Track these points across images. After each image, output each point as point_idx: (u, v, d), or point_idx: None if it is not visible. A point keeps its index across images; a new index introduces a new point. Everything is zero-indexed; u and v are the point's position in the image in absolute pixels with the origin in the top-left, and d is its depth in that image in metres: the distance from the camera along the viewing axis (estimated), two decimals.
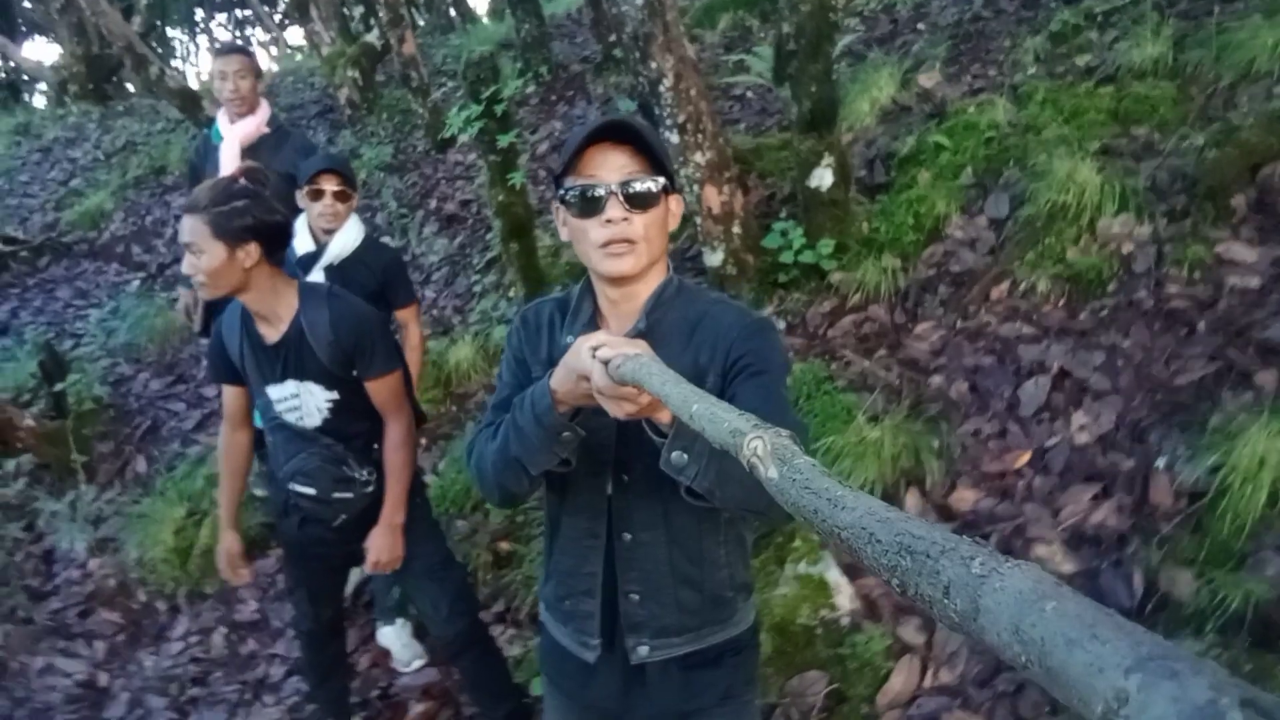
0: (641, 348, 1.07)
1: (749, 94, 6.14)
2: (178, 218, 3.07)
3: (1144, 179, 3.51)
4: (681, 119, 3.84)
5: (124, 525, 4.32)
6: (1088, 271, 3.35)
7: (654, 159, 1.37)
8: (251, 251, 2.14)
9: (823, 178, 3.77)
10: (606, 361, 1.07)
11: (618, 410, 1.12)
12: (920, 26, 6.08)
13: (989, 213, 3.85)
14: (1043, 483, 2.72)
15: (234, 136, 3.60)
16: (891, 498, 2.88)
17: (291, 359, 2.27)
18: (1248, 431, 2.44)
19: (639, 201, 1.34)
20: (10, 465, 4.66)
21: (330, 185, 2.87)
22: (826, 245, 3.84)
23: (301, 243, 2.95)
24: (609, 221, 1.34)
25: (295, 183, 3.46)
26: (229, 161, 3.51)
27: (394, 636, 3.31)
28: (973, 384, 3.08)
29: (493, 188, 4.50)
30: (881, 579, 0.51)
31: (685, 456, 1.17)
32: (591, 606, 1.53)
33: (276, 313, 2.25)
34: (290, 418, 2.34)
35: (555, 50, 8.04)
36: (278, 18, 18.47)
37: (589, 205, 1.34)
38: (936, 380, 3.15)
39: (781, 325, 3.80)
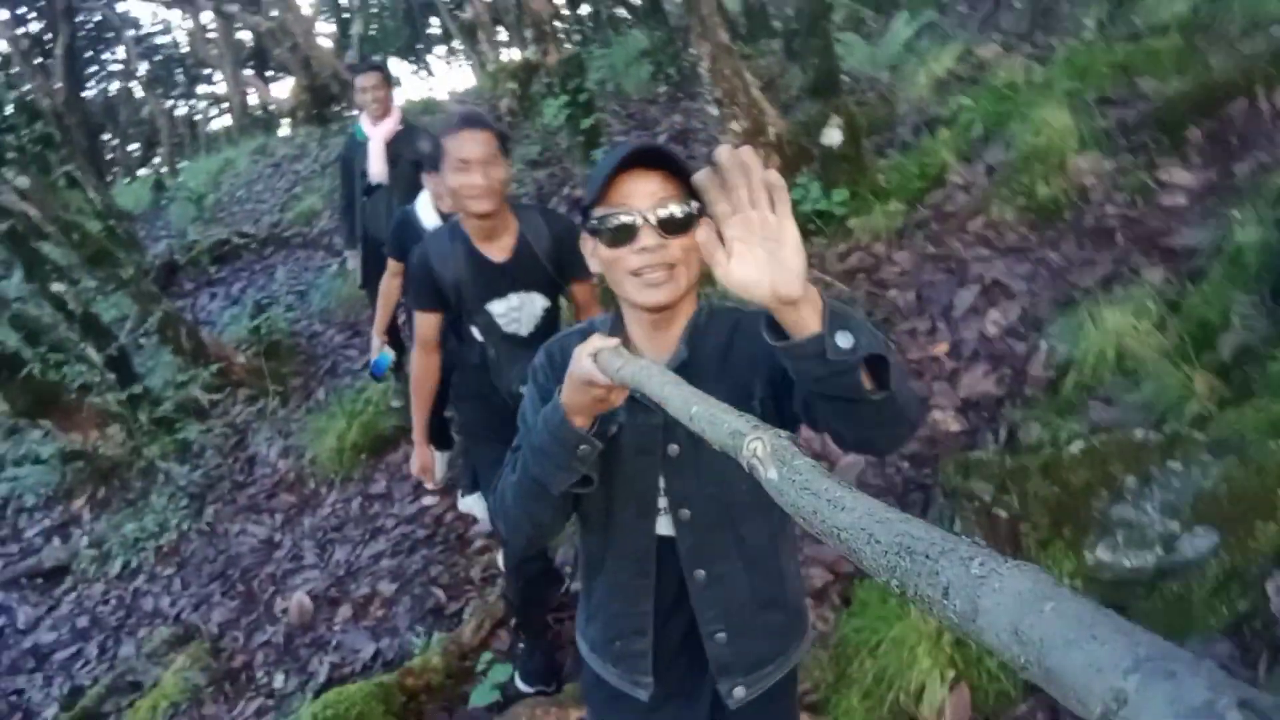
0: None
1: None
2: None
3: (1113, 121, 3.90)
4: (719, 94, 4.61)
5: (304, 435, 5.59)
6: (1048, 203, 3.80)
7: (687, 184, 1.21)
8: (510, 168, 2.37)
9: (832, 136, 4.40)
10: (596, 353, 1.11)
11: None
12: (1017, 4, 6.46)
13: (988, 160, 4.33)
14: (953, 365, 3.27)
15: (379, 135, 4.70)
16: None
17: (521, 272, 2.44)
18: (1102, 313, 2.91)
19: (673, 227, 1.25)
20: (225, 391, 6.12)
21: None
22: (839, 194, 4.46)
23: (428, 218, 3.51)
24: (644, 249, 1.26)
25: (421, 167, 4.48)
26: (376, 154, 4.63)
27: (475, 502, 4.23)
28: (919, 294, 3.64)
29: (580, 164, 5.45)
30: (881, 580, 0.50)
31: (850, 335, 0.96)
32: (644, 645, 1.48)
33: (505, 230, 2.42)
34: (510, 329, 2.50)
35: (684, 53, 8.93)
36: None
37: (620, 234, 1.26)
38: (893, 294, 3.73)
39: None
